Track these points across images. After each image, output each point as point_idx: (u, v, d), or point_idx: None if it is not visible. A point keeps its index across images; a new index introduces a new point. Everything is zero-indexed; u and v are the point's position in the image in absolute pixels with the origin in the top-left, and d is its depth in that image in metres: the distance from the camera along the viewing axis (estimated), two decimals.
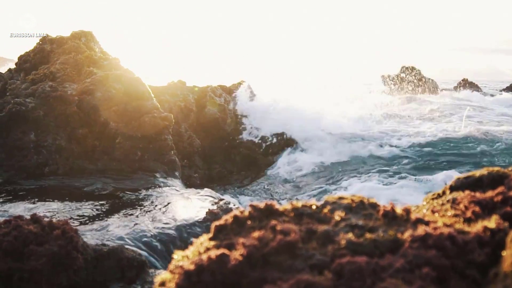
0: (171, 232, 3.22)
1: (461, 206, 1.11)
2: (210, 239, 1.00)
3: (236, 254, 0.88)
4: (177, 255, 0.98)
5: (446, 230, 0.93)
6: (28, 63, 6.13)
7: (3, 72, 6.30)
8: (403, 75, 22.61)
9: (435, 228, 0.94)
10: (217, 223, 1.03)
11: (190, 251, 0.98)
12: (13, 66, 6.42)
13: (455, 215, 1.07)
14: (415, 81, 22.66)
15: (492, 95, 22.31)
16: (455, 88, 23.65)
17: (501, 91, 27.04)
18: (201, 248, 0.97)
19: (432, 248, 0.88)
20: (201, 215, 3.53)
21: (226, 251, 0.89)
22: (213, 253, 0.88)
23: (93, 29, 6.61)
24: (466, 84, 24.21)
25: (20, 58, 6.31)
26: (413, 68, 23.17)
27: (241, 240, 0.92)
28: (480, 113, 13.35)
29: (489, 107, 15.55)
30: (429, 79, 23.79)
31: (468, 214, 1.06)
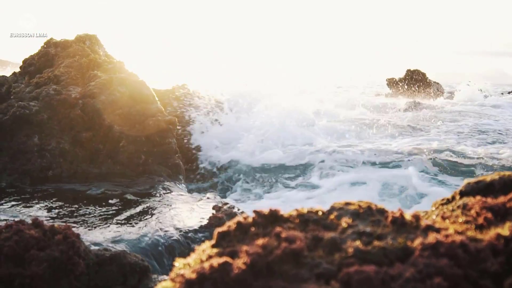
0: (174, 237, 3.19)
1: (472, 212, 1.08)
2: (213, 246, 0.97)
3: (239, 263, 0.85)
4: (179, 262, 0.95)
5: (458, 238, 0.89)
6: (33, 67, 6.14)
7: (7, 75, 6.32)
8: (407, 83, 22.56)
9: (446, 236, 0.90)
10: (220, 229, 1.00)
11: (192, 258, 0.95)
12: (13, 68, 6.42)
13: (467, 222, 1.04)
14: (419, 84, 22.61)
15: (497, 98, 22.19)
16: (460, 91, 23.51)
17: (509, 93, 26.92)
18: (203, 255, 0.94)
19: (444, 256, 0.85)
20: (205, 220, 3.50)
21: (229, 259, 0.86)
22: (216, 261, 0.85)
23: (93, 28, 6.65)
24: (471, 87, 24.06)
25: (24, 61, 6.32)
26: (418, 72, 23.11)
27: (245, 247, 0.89)
28: (478, 121, 12.75)
29: (491, 113, 15.25)
30: (434, 82, 23.73)
31: (480, 220, 1.03)
